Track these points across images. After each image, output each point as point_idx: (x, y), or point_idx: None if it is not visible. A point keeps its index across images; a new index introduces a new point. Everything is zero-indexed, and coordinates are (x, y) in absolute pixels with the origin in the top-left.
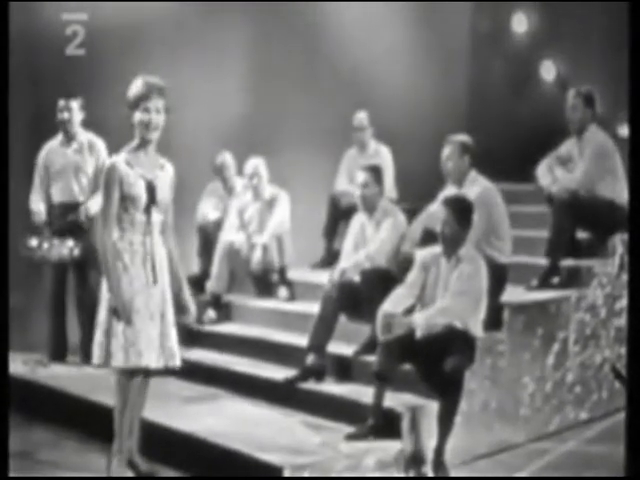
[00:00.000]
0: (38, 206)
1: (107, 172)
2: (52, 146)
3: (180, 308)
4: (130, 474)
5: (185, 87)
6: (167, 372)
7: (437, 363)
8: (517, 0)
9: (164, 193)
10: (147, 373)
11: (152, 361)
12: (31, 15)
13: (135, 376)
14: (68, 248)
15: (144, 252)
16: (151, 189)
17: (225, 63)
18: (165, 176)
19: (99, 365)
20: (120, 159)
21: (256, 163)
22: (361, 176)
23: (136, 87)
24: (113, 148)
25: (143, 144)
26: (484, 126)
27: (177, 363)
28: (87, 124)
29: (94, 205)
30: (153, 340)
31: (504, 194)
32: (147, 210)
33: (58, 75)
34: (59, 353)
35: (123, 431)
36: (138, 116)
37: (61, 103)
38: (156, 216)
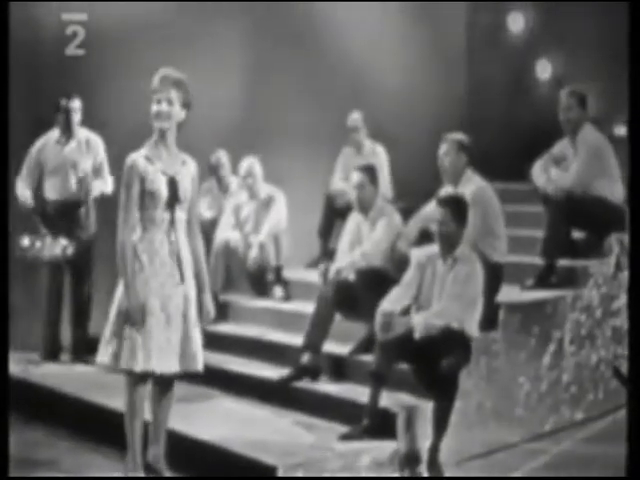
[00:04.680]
0: (24, 192)
1: (127, 170)
2: (48, 143)
3: (199, 310)
4: None
5: None
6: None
7: (433, 363)
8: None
9: (186, 189)
10: (168, 378)
11: (162, 366)
12: (31, 15)
13: (143, 381)
14: (61, 247)
15: (168, 251)
16: (172, 185)
17: (222, 63)
18: (187, 172)
19: (105, 365)
20: (140, 155)
21: (250, 163)
22: (356, 176)
23: (153, 80)
24: (112, 146)
25: (160, 137)
26: (481, 125)
27: (199, 368)
28: (87, 123)
29: (97, 186)
30: (169, 344)
31: (500, 193)
32: (169, 208)
33: (58, 75)
34: (52, 352)
35: (135, 438)
36: (152, 108)
37: (62, 103)
38: (180, 214)
